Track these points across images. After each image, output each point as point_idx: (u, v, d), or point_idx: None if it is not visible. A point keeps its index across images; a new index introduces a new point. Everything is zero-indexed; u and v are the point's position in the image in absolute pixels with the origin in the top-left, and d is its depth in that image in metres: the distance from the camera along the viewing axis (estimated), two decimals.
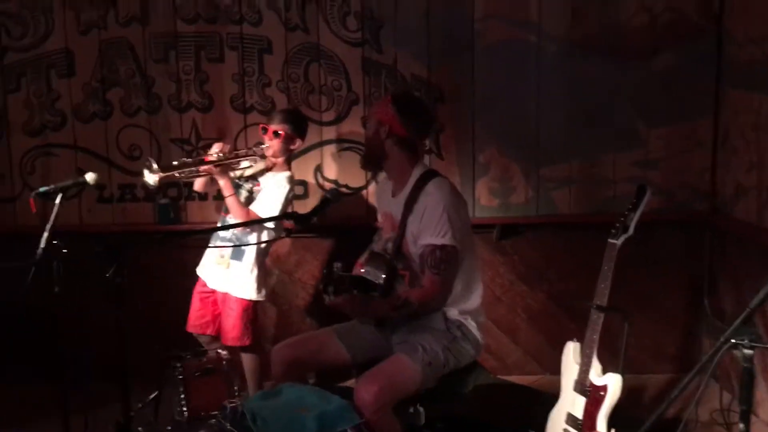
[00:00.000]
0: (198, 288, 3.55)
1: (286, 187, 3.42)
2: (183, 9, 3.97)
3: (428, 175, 2.77)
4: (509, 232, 4.08)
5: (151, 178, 3.20)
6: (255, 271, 3.44)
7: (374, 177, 4.05)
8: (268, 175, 3.49)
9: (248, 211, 3.35)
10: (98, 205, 4.09)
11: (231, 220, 3.39)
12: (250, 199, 3.46)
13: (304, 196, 4.10)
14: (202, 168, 3.34)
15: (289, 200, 3.46)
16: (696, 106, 3.96)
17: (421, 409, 2.73)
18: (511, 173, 4.06)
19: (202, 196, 3.99)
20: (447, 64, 3.99)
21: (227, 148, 3.39)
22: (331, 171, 4.10)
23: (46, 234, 2.88)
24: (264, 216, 3.33)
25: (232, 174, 3.46)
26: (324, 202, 2.70)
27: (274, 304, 4.17)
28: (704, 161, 4.00)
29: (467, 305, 2.78)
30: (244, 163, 3.47)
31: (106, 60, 4.00)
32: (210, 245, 3.53)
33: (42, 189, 2.97)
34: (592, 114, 3.99)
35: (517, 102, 4.00)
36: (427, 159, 3.94)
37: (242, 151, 3.45)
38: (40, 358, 3.33)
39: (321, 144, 4.08)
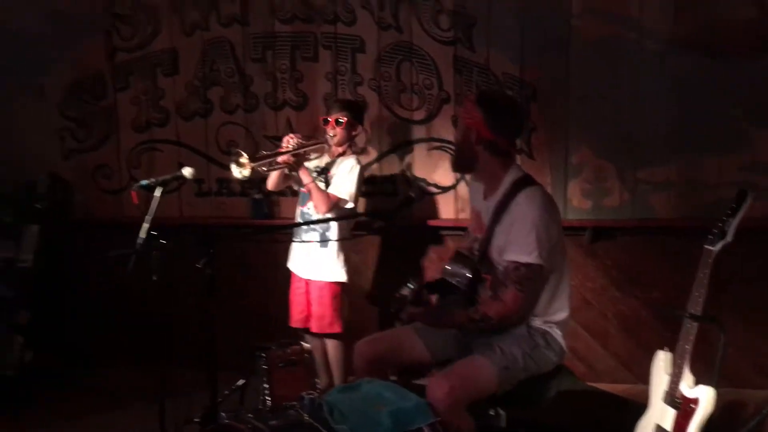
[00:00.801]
0: (293, 285, 3.69)
1: (358, 166, 3.57)
2: (280, 9, 4.08)
3: (521, 184, 2.63)
4: (602, 236, 3.95)
5: (238, 171, 3.31)
6: (341, 255, 3.58)
7: (463, 177, 4.03)
8: (337, 161, 3.61)
9: (328, 194, 3.49)
10: (197, 199, 4.28)
11: (309, 211, 3.53)
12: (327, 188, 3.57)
13: (393, 194, 4.13)
14: (281, 159, 3.43)
15: (362, 177, 3.61)
16: None
17: (502, 412, 2.69)
18: (605, 174, 3.93)
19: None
20: (541, 62, 3.92)
21: (297, 138, 3.47)
22: (420, 170, 4.11)
23: (146, 225, 3.03)
24: (342, 196, 3.50)
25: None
26: (408, 200, 2.70)
27: (359, 301, 4.21)
28: None
29: (554, 317, 2.69)
30: (312, 156, 3.60)
31: (207, 59, 4.17)
32: (294, 239, 3.65)
33: (143, 182, 3.13)
34: (694, 114, 3.81)
35: (614, 101, 3.88)
36: (517, 159, 3.87)
37: (312, 140, 3.57)
38: (138, 343, 3.52)
39: (411, 142, 4.09)
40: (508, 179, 2.65)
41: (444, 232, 4.07)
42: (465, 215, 4.05)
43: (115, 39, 4.20)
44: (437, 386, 2.41)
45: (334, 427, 2.06)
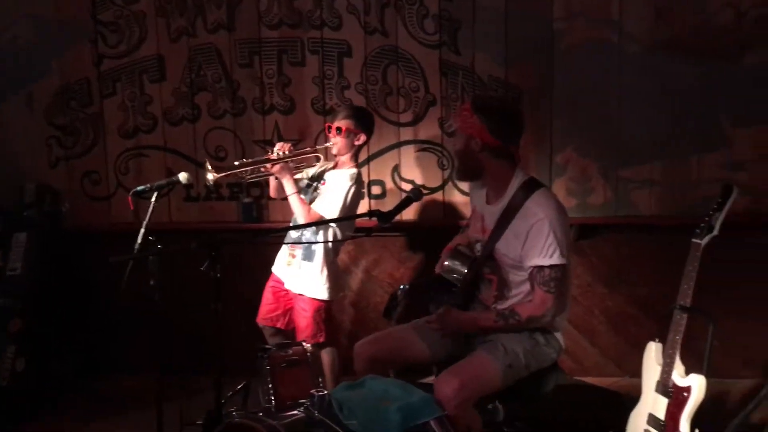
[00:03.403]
0: (271, 282, 3.63)
1: (348, 183, 3.39)
2: (267, 15, 4.11)
3: (529, 187, 2.66)
4: (587, 233, 4.05)
5: (210, 175, 3.29)
6: (325, 272, 3.46)
7: (451, 179, 4.10)
8: (333, 172, 3.51)
9: (309, 209, 3.39)
10: (185, 204, 4.28)
11: (301, 221, 3.44)
12: (313, 195, 3.51)
13: (382, 196, 4.19)
14: (265, 167, 3.40)
15: (353, 196, 3.41)
16: None
17: (500, 406, 2.76)
18: (589, 174, 4.03)
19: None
20: (525, 65, 4.00)
21: (288, 147, 3.43)
22: (408, 172, 4.16)
23: (142, 230, 3.05)
24: (325, 215, 3.35)
25: (301, 175, 3.57)
26: (406, 201, 2.74)
27: (352, 302, 4.26)
28: None
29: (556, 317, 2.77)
30: (313, 168, 3.54)
31: (194, 65, 4.18)
32: (285, 242, 3.60)
33: (139, 188, 3.15)
34: (676, 114, 3.93)
35: (597, 102, 3.98)
36: None
37: (305, 149, 3.52)
38: (138, 349, 3.52)
39: (398, 145, 4.15)
40: (515, 183, 2.68)
41: (431, 233, 4.12)
42: (452, 216, 4.12)
43: (101, 46, 4.19)
44: (446, 383, 2.46)
45: (345, 422, 2.10)
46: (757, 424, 3.21)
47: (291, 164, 3.44)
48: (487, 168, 2.69)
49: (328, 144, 3.50)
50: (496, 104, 2.79)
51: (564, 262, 2.57)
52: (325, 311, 3.52)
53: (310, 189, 3.55)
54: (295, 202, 3.39)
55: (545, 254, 2.55)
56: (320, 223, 3.39)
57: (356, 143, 3.48)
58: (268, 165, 3.39)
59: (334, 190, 3.41)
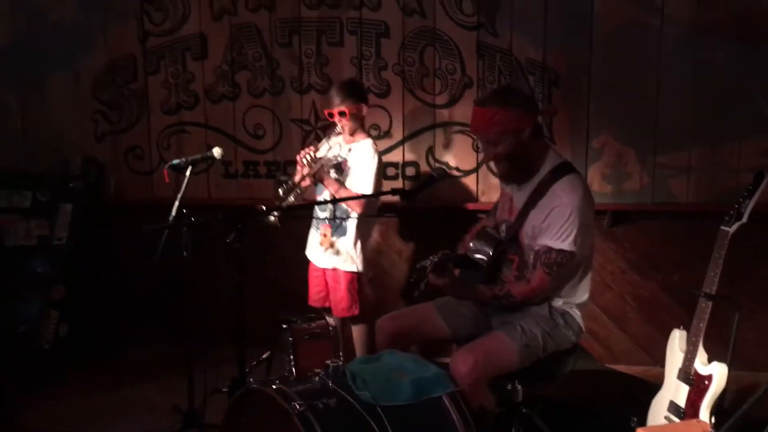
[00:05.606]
0: (310, 269, 3.76)
1: (374, 156, 3.52)
2: None
3: (561, 170, 2.65)
4: (621, 219, 4.01)
5: (271, 217, 3.34)
6: (359, 245, 3.58)
7: (485, 161, 4.10)
8: (353, 147, 3.58)
9: (357, 196, 3.48)
10: (224, 181, 4.39)
11: (327, 198, 3.54)
12: (341, 178, 3.58)
13: (415, 177, 4.21)
14: (304, 184, 3.50)
15: (378, 165, 3.54)
16: None
17: (519, 387, 2.77)
18: (625, 159, 3.98)
19: None
20: (563, 48, 3.96)
21: (307, 150, 3.50)
22: (442, 153, 4.18)
23: (176, 203, 3.15)
24: (365, 190, 3.47)
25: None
26: (430, 180, 2.77)
27: (381, 280, 4.31)
28: None
29: (576, 299, 2.76)
30: (334, 150, 3.58)
31: (235, 44, 4.26)
32: (312, 227, 3.69)
33: (174, 162, 3.25)
34: (716, 100, 3.85)
35: (635, 87, 3.92)
36: None
37: (323, 147, 3.57)
38: (169, 318, 3.65)
39: (434, 126, 4.16)
40: (548, 165, 2.67)
41: (465, 215, 4.14)
42: (486, 199, 4.12)
43: (147, 24, 4.31)
44: (462, 361, 2.49)
45: (357, 393, 2.16)
46: None
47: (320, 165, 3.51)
48: (531, 151, 2.67)
49: (337, 129, 3.54)
50: (508, 89, 2.81)
51: (574, 249, 2.56)
52: (358, 283, 3.63)
53: (332, 173, 3.59)
54: (344, 194, 3.49)
55: (559, 237, 2.55)
56: (346, 199, 3.46)
57: (362, 116, 3.59)
58: (307, 179, 3.46)
59: (365, 168, 3.52)
